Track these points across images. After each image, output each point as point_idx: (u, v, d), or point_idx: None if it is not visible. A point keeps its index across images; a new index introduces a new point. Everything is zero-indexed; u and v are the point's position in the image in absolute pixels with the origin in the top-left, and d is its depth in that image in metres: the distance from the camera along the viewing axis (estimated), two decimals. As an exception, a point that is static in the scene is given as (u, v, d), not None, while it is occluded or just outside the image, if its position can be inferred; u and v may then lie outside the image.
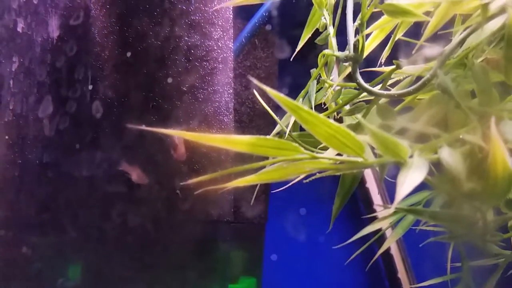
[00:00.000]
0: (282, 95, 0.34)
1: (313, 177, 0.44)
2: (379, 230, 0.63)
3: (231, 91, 0.57)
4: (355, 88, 0.56)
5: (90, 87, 0.42)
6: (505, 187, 0.38)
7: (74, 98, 0.42)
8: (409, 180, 0.33)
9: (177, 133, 0.36)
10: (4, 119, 0.45)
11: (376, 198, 0.98)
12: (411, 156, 0.37)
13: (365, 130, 0.37)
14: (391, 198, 0.54)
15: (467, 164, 0.40)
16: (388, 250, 1.05)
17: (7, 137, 0.44)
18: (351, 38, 0.50)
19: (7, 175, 0.44)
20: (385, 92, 0.48)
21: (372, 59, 0.59)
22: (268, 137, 0.37)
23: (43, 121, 0.43)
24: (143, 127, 0.41)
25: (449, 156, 0.36)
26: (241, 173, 0.42)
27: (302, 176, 0.45)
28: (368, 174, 1.00)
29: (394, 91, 0.49)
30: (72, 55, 0.43)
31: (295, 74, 0.78)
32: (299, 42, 0.60)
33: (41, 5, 0.46)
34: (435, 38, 0.53)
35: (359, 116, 0.41)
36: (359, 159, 0.37)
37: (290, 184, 0.48)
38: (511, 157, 0.36)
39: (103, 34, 0.44)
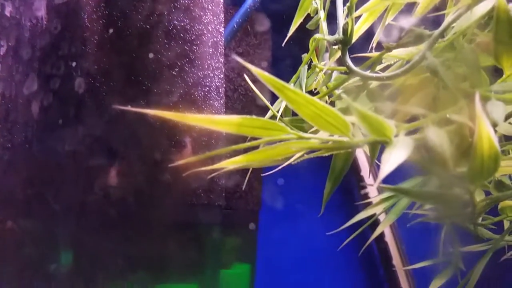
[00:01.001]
0: (267, 74, 0.34)
1: (301, 158, 0.44)
2: (374, 217, 0.63)
3: (222, 76, 0.57)
4: (345, 72, 0.56)
5: (73, 64, 0.42)
6: (492, 166, 0.38)
7: (58, 75, 0.42)
8: (393, 158, 0.33)
9: (163, 114, 0.36)
10: None
11: (370, 182, 0.99)
12: (396, 136, 0.37)
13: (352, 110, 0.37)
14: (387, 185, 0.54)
15: (453, 143, 0.40)
16: (382, 238, 1.06)
17: None
18: (341, 21, 0.50)
19: None
20: (374, 75, 0.48)
21: (365, 42, 0.59)
22: (254, 117, 0.37)
23: (28, 98, 0.43)
24: (129, 108, 0.42)
25: (435, 135, 0.36)
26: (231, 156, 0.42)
27: (291, 160, 0.45)
28: (363, 162, 1.00)
29: (383, 74, 0.49)
30: (56, 34, 0.43)
31: (289, 61, 0.78)
32: (291, 27, 0.60)
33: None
34: (428, 21, 0.53)
35: (344, 95, 0.41)
36: (345, 139, 0.37)
37: (280, 167, 0.48)
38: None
39: (85, 11, 0.44)
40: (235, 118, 0.37)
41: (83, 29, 0.44)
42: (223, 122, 0.37)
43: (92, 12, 0.44)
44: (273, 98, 0.59)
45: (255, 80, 0.46)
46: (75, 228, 0.44)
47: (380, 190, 0.98)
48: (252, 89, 0.53)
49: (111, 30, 0.45)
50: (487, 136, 0.35)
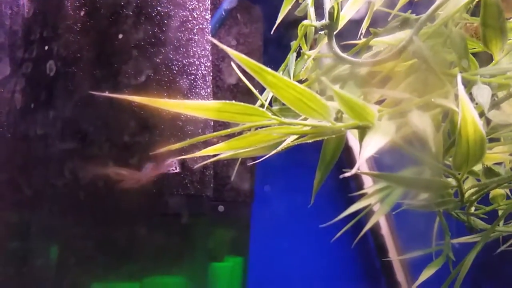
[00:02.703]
0: (244, 57, 0.33)
1: (287, 146, 0.43)
2: (368, 208, 0.62)
3: (209, 64, 0.56)
4: (334, 59, 0.55)
5: (45, 47, 0.42)
6: (478, 150, 0.37)
7: (29, 59, 0.42)
8: (374, 142, 0.33)
9: (143, 100, 0.35)
10: None
11: (366, 178, 0.98)
12: (379, 120, 0.36)
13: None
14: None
15: (441, 126, 0.39)
16: (379, 231, 1.05)
17: None
18: (327, 6, 0.49)
19: None
20: (361, 60, 0.47)
21: (356, 32, 0.58)
22: (234, 102, 0.36)
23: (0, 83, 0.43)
24: (107, 94, 0.41)
25: (418, 119, 0.35)
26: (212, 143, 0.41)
27: (279, 148, 0.44)
28: (357, 153, 0.99)
29: (370, 59, 0.49)
30: (27, 17, 0.43)
31: (281, 49, 0.77)
32: (279, 15, 0.59)
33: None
34: (418, 6, 0.52)
35: (324, 78, 0.40)
36: (327, 124, 0.36)
37: (268, 155, 0.48)
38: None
39: (69, 5, 0.44)
40: (213, 103, 0.36)
41: (51, 12, 0.43)
42: (201, 108, 0.36)
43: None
44: (264, 88, 0.58)
45: (244, 71, 0.46)
46: (42, 212, 0.43)
47: (374, 181, 0.97)
48: (242, 79, 0.52)
49: (91, 17, 0.44)
50: (471, 120, 0.35)
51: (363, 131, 0.39)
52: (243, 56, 0.32)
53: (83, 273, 0.45)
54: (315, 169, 0.53)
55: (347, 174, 0.31)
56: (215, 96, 0.60)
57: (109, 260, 0.46)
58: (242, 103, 0.36)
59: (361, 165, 0.87)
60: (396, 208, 0.62)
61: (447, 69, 0.47)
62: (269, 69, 0.34)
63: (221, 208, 0.68)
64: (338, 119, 0.39)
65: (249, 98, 0.80)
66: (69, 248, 0.44)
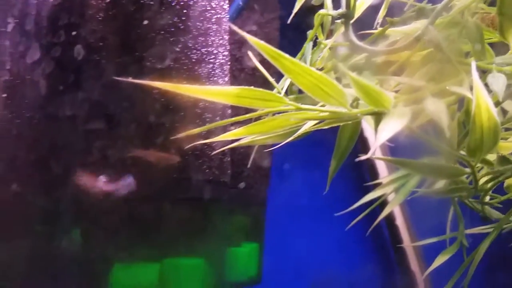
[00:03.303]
0: (263, 43, 0.34)
1: (304, 133, 0.44)
2: (382, 197, 0.63)
3: (227, 53, 0.57)
4: (350, 48, 0.55)
5: (73, 33, 0.43)
6: (492, 137, 0.38)
7: (58, 44, 0.43)
8: (389, 127, 0.33)
9: (166, 86, 0.36)
10: None
11: (381, 166, 0.98)
12: (395, 106, 0.37)
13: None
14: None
15: (456, 115, 0.40)
16: (393, 221, 1.06)
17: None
18: (344, -5, 0.49)
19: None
20: (377, 49, 0.48)
21: (373, 22, 0.58)
22: (252, 88, 0.37)
23: (31, 68, 0.44)
24: (126, 80, 0.42)
25: (433, 106, 0.36)
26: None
27: (296, 135, 0.45)
28: (373, 143, 1.00)
29: (386, 48, 0.49)
30: (55, 4, 0.44)
31: (297, 39, 0.77)
32: (296, 5, 0.60)
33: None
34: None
35: (341, 65, 0.41)
36: (344, 110, 0.37)
37: (281, 144, 0.48)
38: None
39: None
40: (232, 89, 0.37)
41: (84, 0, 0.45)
42: (220, 93, 0.37)
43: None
44: (280, 78, 0.59)
45: (262, 60, 0.46)
46: (72, 190, 0.45)
47: (390, 170, 0.98)
48: (259, 69, 0.53)
49: (112, 7, 0.46)
50: (485, 107, 0.35)
51: (378, 118, 0.40)
52: (262, 42, 0.33)
53: (106, 254, 0.46)
54: (330, 158, 0.54)
55: (362, 158, 0.32)
56: (232, 85, 0.61)
57: (131, 241, 0.48)
58: (260, 89, 0.37)
59: (376, 154, 0.88)
60: (411, 196, 0.63)
61: (463, 58, 0.47)
62: (287, 55, 0.34)
63: (242, 185, 0.69)
64: (354, 106, 0.40)
65: (265, 88, 0.81)
66: (93, 229, 0.46)
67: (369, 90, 0.35)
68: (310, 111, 0.37)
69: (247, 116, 0.39)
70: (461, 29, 0.49)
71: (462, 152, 0.43)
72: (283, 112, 0.40)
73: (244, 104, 0.38)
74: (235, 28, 0.31)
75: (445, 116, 0.35)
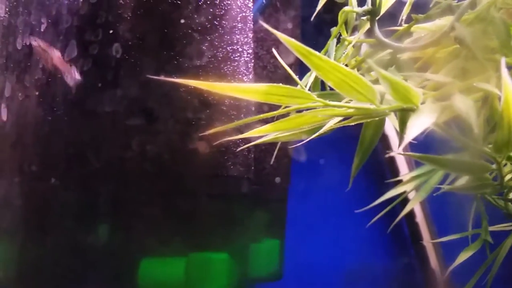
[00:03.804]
0: (293, 40, 0.34)
1: (330, 129, 0.45)
2: (404, 194, 0.63)
3: (251, 51, 0.58)
4: (375, 45, 0.56)
5: (110, 31, 0.44)
6: (519, 134, 0.38)
7: (96, 42, 0.44)
8: (418, 124, 0.34)
9: (192, 83, 0.37)
10: (34, 69, 0.48)
11: (401, 163, 0.98)
12: (423, 103, 0.37)
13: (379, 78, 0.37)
14: (417, 163, 0.54)
15: (482, 114, 0.40)
16: (413, 218, 1.05)
17: (34, 84, 0.47)
18: (369, -8, 0.50)
19: (37, 114, 0.47)
20: (403, 46, 0.48)
21: (396, 18, 0.58)
22: (280, 85, 0.38)
23: (68, 64, 0.45)
24: (160, 77, 0.43)
25: (461, 102, 0.36)
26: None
27: (321, 131, 0.45)
28: (395, 142, 0.99)
29: (412, 44, 0.49)
30: (92, 2, 0.45)
31: (319, 36, 0.77)
32: (320, 2, 0.60)
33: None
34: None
35: (370, 61, 0.41)
36: (372, 106, 0.37)
37: (306, 140, 0.49)
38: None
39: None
40: (262, 86, 0.37)
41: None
42: (251, 91, 0.37)
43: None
44: (301, 75, 0.60)
45: (284, 57, 0.47)
46: (113, 189, 0.46)
47: (410, 168, 0.97)
48: (281, 66, 0.54)
49: (142, 8, 0.47)
50: (514, 103, 0.35)
51: (403, 116, 0.40)
52: (292, 39, 0.34)
53: (134, 249, 0.47)
54: (351, 155, 0.54)
55: (392, 154, 0.32)
56: (254, 83, 0.61)
57: (158, 236, 0.48)
58: (288, 86, 0.38)
59: (397, 150, 0.87)
60: (435, 193, 0.63)
61: (490, 55, 0.47)
62: (316, 52, 0.35)
63: (277, 179, 0.70)
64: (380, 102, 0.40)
65: (287, 83, 0.81)
66: (123, 224, 0.47)
67: (398, 86, 0.35)
68: (338, 107, 0.38)
69: (276, 112, 0.40)
70: (487, 25, 0.49)
71: (487, 149, 0.43)
72: (310, 109, 0.40)
73: (272, 101, 0.38)
74: (266, 26, 0.31)
75: (473, 113, 0.35)
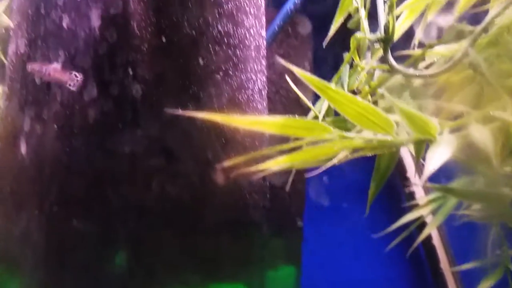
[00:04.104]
0: (310, 75, 0.34)
1: (345, 159, 0.45)
2: (421, 219, 0.63)
3: (264, 78, 0.58)
4: (388, 70, 0.56)
5: (131, 72, 0.45)
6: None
7: (116, 83, 0.45)
8: (437, 157, 0.33)
9: (209, 116, 0.37)
10: (54, 107, 0.48)
11: (417, 188, 0.97)
12: (441, 133, 0.37)
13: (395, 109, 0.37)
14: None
15: (499, 141, 0.40)
16: (430, 240, 1.04)
17: (55, 124, 0.48)
18: (382, 20, 0.50)
19: (57, 153, 0.47)
20: (417, 73, 0.48)
21: (407, 41, 0.58)
22: (297, 117, 0.38)
23: (88, 105, 0.46)
24: (179, 112, 0.43)
25: (478, 133, 0.36)
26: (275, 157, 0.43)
27: (335, 160, 0.45)
28: (408, 163, 0.99)
29: (426, 71, 0.49)
30: (113, 44, 0.46)
31: (330, 61, 0.78)
32: (332, 27, 0.60)
33: (83, 1, 0.49)
34: (471, 16, 0.52)
35: (386, 93, 0.41)
36: (389, 138, 0.37)
37: (323, 168, 0.49)
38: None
39: (140, 23, 0.46)
40: (278, 119, 0.37)
41: (135, 38, 0.46)
42: (268, 123, 0.37)
43: (143, 21, 0.46)
44: (315, 98, 0.60)
45: (296, 81, 0.47)
46: (133, 226, 0.46)
47: (426, 191, 0.96)
48: (293, 90, 0.54)
49: (161, 38, 0.47)
50: (533, 132, 0.35)
51: (420, 145, 0.40)
52: (308, 74, 0.34)
53: (153, 284, 0.47)
54: (366, 178, 0.54)
55: (414, 187, 0.32)
56: (267, 108, 0.62)
57: (176, 269, 0.48)
58: (305, 119, 0.38)
59: (413, 174, 0.87)
60: (451, 221, 0.62)
61: (504, 80, 0.47)
62: (332, 86, 0.35)
63: (300, 224, 0.70)
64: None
65: (300, 108, 0.81)
66: (140, 257, 0.47)
67: (415, 118, 0.35)
68: (354, 139, 0.38)
69: (292, 144, 0.40)
70: (501, 49, 0.49)
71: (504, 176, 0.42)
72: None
73: (289, 133, 0.38)
74: (283, 62, 0.32)
75: (491, 144, 0.35)
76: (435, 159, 0.33)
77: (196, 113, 0.36)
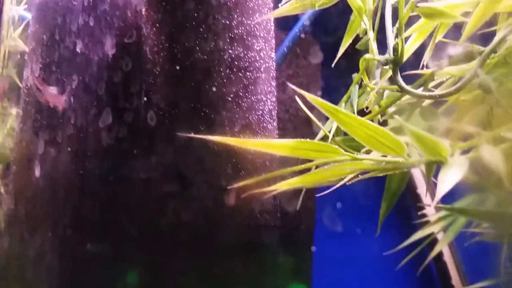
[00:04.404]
0: (320, 99, 0.35)
1: (356, 179, 0.45)
2: (431, 236, 0.63)
3: (274, 99, 0.58)
4: (397, 91, 0.56)
5: (144, 99, 0.46)
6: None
7: (130, 109, 0.46)
8: (449, 178, 0.34)
9: (222, 139, 0.37)
10: (68, 131, 0.49)
11: (427, 203, 0.97)
12: (452, 155, 0.37)
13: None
14: (443, 203, 0.54)
15: (509, 161, 0.40)
16: (441, 257, 1.03)
17: (69, 148, 0.48)
18: (391, 42, 0.50)
19: (71, 180, 0.48)
20: (427, 93, 0.48)
21: (415, 60, 0.59)
22: (308, 140, 0.38)
23: (103, 131, 0.47)
24: (192, 135, 0.44)
25: (489, 154, 0.36)
26: (286, 177, 0.43)
27: (345, 180, 0.46)
28: (419, 179, 0.99)
29: (435, 92, 0.50)
30: (127, 71, 0.47)
31: (339, 81, 0.78)
32: (340, 48, 0.61)
33: (97, 27, 0.50)
34: (479, 37, 0.52)
35: (397, 116, 0.42)
36: (400, 159, 0.37)
37: (334, 188, 0.49)
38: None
39: (153, 50, 0.47)
40: (289, 141, 0.38)
41: (148, 65, 0.47)
42: (279, 146, 0.38)
43: (156, 48, 0.47)
44: (325, 117, 0.60)
45: (306, 100, 0.48)
46: (145, 250, 0.46)
47: (437, 208, 0.96)
48: (302, 109, 0.54)
49: (174, 65, 0.48)
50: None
51: (430, 166, 0.40)
52: (319, 99, 0.35)
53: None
54: (376, 195, 0.54)
55: (425, 211, 0.32)
56: (277, 127, 0.62)
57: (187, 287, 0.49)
58: (315, 141, 0.38)
59: (424, 191, 0.86)
60: (462, 236, 0.62)
61: (514, 100, 0.47)
62: (343, 109, 0.35)
63: (313, 248, 0.70)
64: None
65: (310, 126, 0.82)
66: (153, 280, 0.47)
67: (426, 140, 0.35)
68: (366, 160, 0.38)
69: (303, 166, 0.40)
70: (510, 69, 0.49)
71: None
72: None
73: (299, 155, 0.39)
74: (295, 88, 0.32)
75: (502, 165, 0.35)
76: (447, 181, 0.33)
77: (209, 137, 0.37)
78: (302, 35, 0.73)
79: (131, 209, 0.46)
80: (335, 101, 0.58)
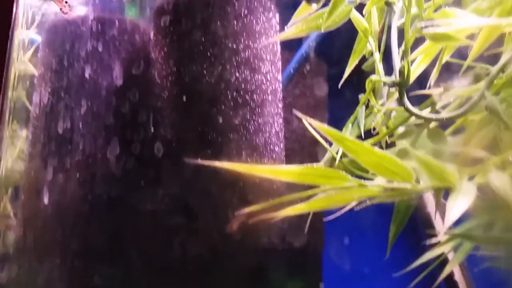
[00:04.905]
0: (326, 126, 0.35)
1: (364, 205, 0.45)
2: (442, 257, 0.62)
3: (281, 121, 0.59)
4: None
5: (152, 129, 0.46)
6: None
7: (138, 139, 0.46)
8: (457, 206, 0.33)
9: (229, 165, 0.37)
10: (75, 159, 0.49)
11: (438, 224, 0.96)
12: (460, 180, 0.37)
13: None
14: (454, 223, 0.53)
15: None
16: (452, 277, 1.02)
17: (78, 175, 0.49)
18: (397, 64, 0.50)
19: (79, 210, 0.48)
20: (434, 116, 0.48)
21: (422, 80, 0.59)
22: (315, 165, 0.38)
23: (110, 160, 0.47)
24: (199, 161, 0.44)
25: (498, 180, 0.36)
26: (292, 202, 0.43)
27: (354, 204, 0.46)
28: (429, 198, 0.98)
29: (442, 114, 0.49)
30: (135, 99, 0.47)
31: (345, 101, 0.78)
32: (346, 69, 0.61)
33: (105, 53, 0.50)
34: (486, 57, 0.52)
35: (405, 142, 0.42)
36: (408, 186, 0.37)
37: (341, 212, 0.49)
38: None
39: (161, 77, 0.48)
40: (296, 168, 0.38)
41: (154, 89, 0.48)
42: (286, 172, 0.38)
43: (164, 76, 0.48)
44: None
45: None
46: (154, 279, 0.46)
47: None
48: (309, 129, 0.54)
49: (179, 89, 0.49)
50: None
51: (438, 192, 0.40)
52: (326, 126, 0.34)
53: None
54: (386, 213, 0.54)
55: (433, 241, 0.32)
56: (284, 148, 0.62)
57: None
58: (323, 167, 0.38)
59: (433, 210, 0.85)
60: (473, 256, 0.61)
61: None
62: (349, 137, 0.35)
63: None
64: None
65: (317, 146, 0.81)
66: None
67: (433, 167, 0.35)
68: (373, 187, 0.38)
69: (310, 192, 0.40)
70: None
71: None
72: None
73: (307, 181, 0.39)
74: (301, 115, 0.32)
75: (510, 191, 0.35)
76: (456, 208, 0.33)
77: (216, 163, 0.37)
78: (309, 55, 0.73)
79: (139, 238, 0.46)
80: (343, 120, 0.58)
